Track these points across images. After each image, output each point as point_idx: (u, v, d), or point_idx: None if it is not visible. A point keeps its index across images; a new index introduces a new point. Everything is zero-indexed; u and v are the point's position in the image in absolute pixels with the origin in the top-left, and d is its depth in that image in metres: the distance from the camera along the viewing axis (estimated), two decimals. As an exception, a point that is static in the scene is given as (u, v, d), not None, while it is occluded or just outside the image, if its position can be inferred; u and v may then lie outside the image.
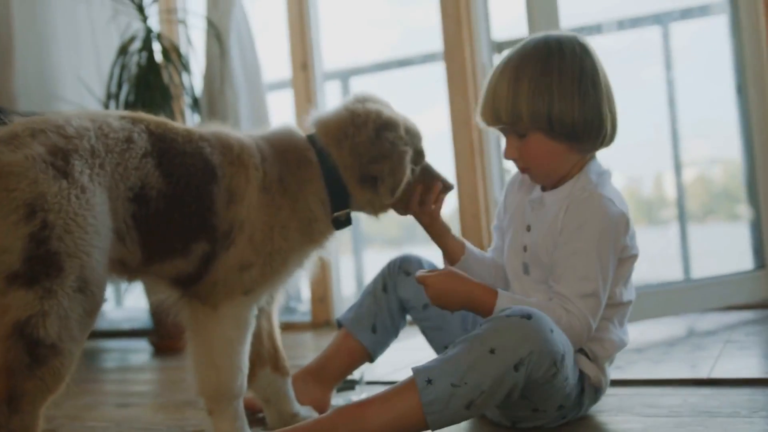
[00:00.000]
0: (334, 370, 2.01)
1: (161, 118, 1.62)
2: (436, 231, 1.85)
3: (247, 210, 1.59)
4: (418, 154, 1.79)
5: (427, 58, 4.23)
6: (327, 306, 3.95)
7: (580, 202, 1.68)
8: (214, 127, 1.68)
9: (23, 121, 1.43)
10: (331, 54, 4.29)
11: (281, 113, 4.29)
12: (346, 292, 4.19)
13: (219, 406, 1.62)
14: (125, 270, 1.53)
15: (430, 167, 1.83)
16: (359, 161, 1.69)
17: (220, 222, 1.56)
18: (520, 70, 1.68)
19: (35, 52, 3.73)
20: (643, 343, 2.58)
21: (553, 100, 1.65)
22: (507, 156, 1.75)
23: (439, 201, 1.82)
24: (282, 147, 1.69)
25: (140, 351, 3.78)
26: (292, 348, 3.38)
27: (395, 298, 2.00)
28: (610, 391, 1.96)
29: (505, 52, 3.68)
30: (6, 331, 1.32)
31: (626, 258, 1.71)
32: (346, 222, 1.74)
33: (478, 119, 1.78)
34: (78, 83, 3.73)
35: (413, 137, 1.77)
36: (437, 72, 3.92)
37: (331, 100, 4.28)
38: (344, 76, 4.62)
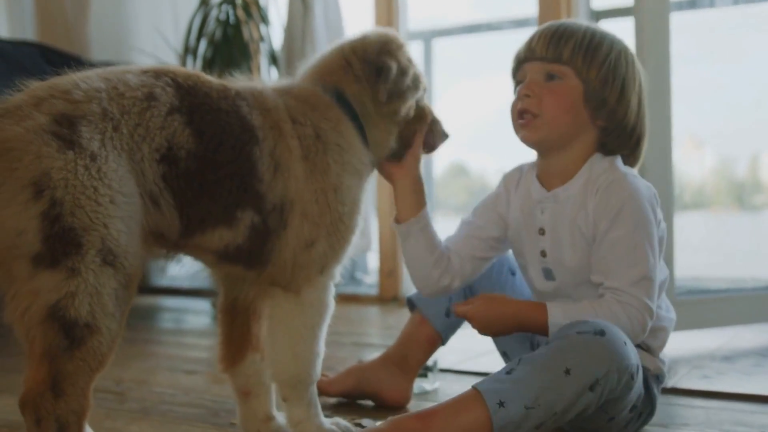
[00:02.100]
0: (416, 359, 2.06)
1: (193, 71, 1.59)
2: (410, 183, 1.82)
3: (295, 185, 1.58)
4: (423, 90, 1.80)
5: (519, 24, 4.22)
6: (396, 281, 4.02)
7: (608, 186, 1.70)
8: (248, 83, 1.66)
9: (32, 88, 1.42)
10: (415, 13, 4.32)
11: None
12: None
13: (295, 393, 1.65)
14: (165, 242, 1.52)
15: (431, 109, 1.83)
16: (366, 66, 1.68)
17: (267, 190, 1.54)
18: (595, 35, 1.74)
19: (112, 1, 3.84)
20: (733, 351, 2.58)
21: (618, 78, 1.73)
22: (524, 90, 1.75)
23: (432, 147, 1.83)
24: (303, 98, 1.66)
25: (200, 312, 3.92)
26: (355, 322, 3.47)
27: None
28: (697, 402, 1.99)
29: (603, 22, 3.69)
30: (40, 316, 1.34)
31: (659, 234, 1.73)
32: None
33: (519, 55, 1.80)
34: (155, 34, 3.84)
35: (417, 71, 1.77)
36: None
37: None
38: (427, 37, 4.65)
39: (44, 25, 3.81)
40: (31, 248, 1.33)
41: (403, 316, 3.49)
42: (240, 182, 1.52)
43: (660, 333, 1.76)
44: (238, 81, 1.65)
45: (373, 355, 2.20)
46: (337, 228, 1.62)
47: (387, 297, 4.03)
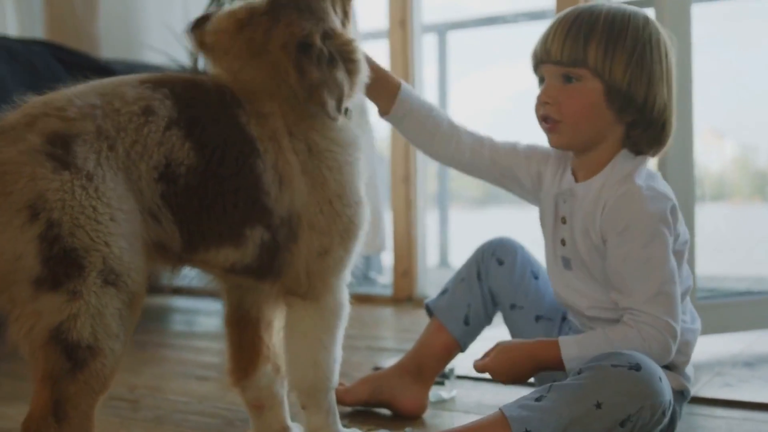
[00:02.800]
0: (431, 368, 2.06)
1: (192, 76, 1.57)
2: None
3: (300, 198, 1.56)
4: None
5: (535, 16, 4.22)
6: (411, 281, 4.03)
7: (617, 199, 1.68)
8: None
9: (26, 105, 1.41)
10: (430, 5, 4.32)
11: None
12: (431, 262, 4.24)
13: (314, 401, 1.66)
14: (169, 255, 1.50)
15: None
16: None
17: (275, 204, 1.52)
18: (615, 24, 1.70)
19: (122, -5, 3.86)
20: (756, 357, 2.57)
21: (652, 77, 1.69)
22: (542, 98, 1.74)
23: None
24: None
25: (211, 314, 3.95)
26: (370, 325, 3.48)
27: (487, 288, 2.04)
28: (718, 412, 2.00)
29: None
30: (43, 338, 1.35)
31: (676, 251, 1.71)
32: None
33: (535, 54, 1.78)
34: (165, 31, 3.85)
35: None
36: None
37: (428, 54, 4.32)
38: (442, 30, 4.66)
39: (53, 24, 3.84)
40: (31, 272, 1.33)
41: (419, 317, 3.52)
42: (246, 196, 1.50)
43: (684, 347, 1.74)
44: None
45: (388, 359, 2.22)
46: (349, 231, 1.62)
47: (402, 297, 4.04)
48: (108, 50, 3.75)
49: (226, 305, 1.77)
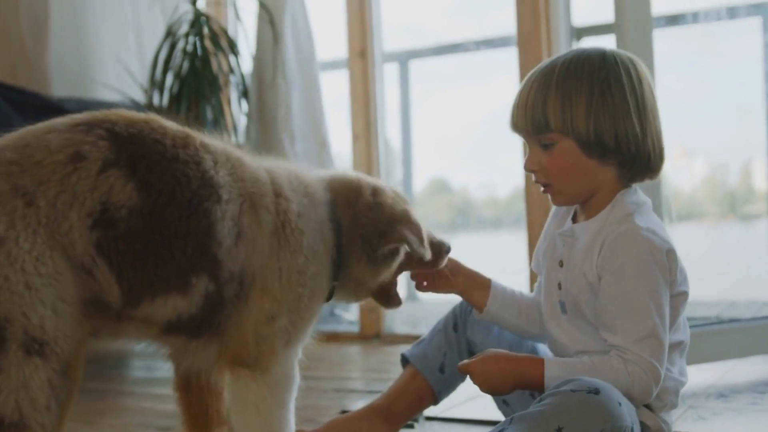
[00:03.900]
0: (402, 410, 2.08)
1: (148, 116, 1.52)
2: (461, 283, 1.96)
3: (259, 259, 1.56)
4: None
5: (498, 43, 4.28)
6: (377, 317, 4.04)
7: (616, 237, 1.72)
8: (225, 145, 1.62)
9: None
10: (390, 35, 4.37)
11: (335, 100, 4.39)
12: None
13: None
14: (107, 313, 1.46)
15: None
16: (362, 228, 1.73)
17: (226, 258, 1.50)
18: (569, 76, 1.74)
19: (72, 32, 3.86)
20: (729, 388, 2.61)
21: (616, 116, 1.72)
22: (527, 167, 1.81)
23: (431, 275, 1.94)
24: (303, 185, 1.68)
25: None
26: (336, 365, 3.49)
27: (464, 339, 2.07)
28: (692, 447, 2.03)
29: (585, 40, 3.74)
30: None
31: (674, 296, 1.74)
32: (329, 296, 1.76)
33: (509, 126, 1.84)
34: (119, 67, 3.86)
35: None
36: (507, 58, 3.97)
37: (389, 84, 4.37)
38: (403, 59, 4.71)
39: (0, 61, 3.82)
40: None
41: (386, 355, 3.54)
42: (195, 243, 1.46)
43: (665, 395, 1.76)
44: (217, 141, 1.61)
45: (357, 402, 2.22)
46: (297, 307, 1.62)
47: (369, 334, 4.05)
48: (59, 88, 3.74)
49: (175, 371, 1.75)
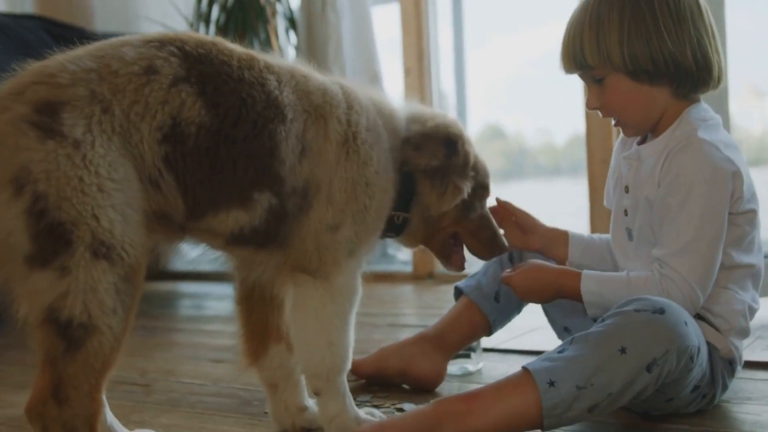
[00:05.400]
0: (454, 339, 2.12)
1: (215, 38, 1.57)
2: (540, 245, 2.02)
3: (324, 169, 1.59)
4: (483, 189, 1.87)
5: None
6: (430, 256, 4.04)
7: (678, 151, 1.71)
8: (291, 64, 1.66)
9: (20, 74, 1.42)
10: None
11: (387, 34, 4.37)
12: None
13: (328, 386, 1.68)
14: (170, 225, 1.52)
15: (491, 218, 1.90)
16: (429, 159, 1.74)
17: (289, 175, 1.54)
18: (602, 6, 1.74)
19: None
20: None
21: (649, 37, 1.71)
22: (588, 106, 1.82)
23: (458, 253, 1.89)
24: (379, 103, 1.73)
25: (222, 298, 4.00)
26: (389, 302, 3.54)
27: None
28: (761, 375, 2.03)
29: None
30: (38, 318, 1.37)
31: (739, 213, 1.73)
32: (395, 228, 1.78)
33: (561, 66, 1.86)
34: (163, 1, 3.88)
35: (480, 169, 1.84)
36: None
37: (441, 17, 4.34)
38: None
39: (44, -3, 3.88)
40: (22, 249, 1.35)
41: (440, 293, 3.57)
42: (258, 163, 1.51)
43: (732, 318, 1.75)
44: (283, 60, 1.66)
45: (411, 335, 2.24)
46: (363, 218, 1.65)
47: (422, 274, 4.08)
48: (102, 23, 3.78)
49: (237, 283, 1.80)
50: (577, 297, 1.74)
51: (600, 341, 1.55)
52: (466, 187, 1.75)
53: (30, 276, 1.36)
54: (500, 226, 1.97)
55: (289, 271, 1.65)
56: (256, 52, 1.61)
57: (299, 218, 1.59)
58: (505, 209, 2.03)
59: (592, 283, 1.73)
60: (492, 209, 1.97)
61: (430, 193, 1.74)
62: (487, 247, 1.88)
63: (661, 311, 1.55)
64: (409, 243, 1.87)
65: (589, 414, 1.55)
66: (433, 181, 1.74)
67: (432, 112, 1.82)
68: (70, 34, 3.34)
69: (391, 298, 3.67)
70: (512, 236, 2.02)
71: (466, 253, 1.90)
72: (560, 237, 2.02)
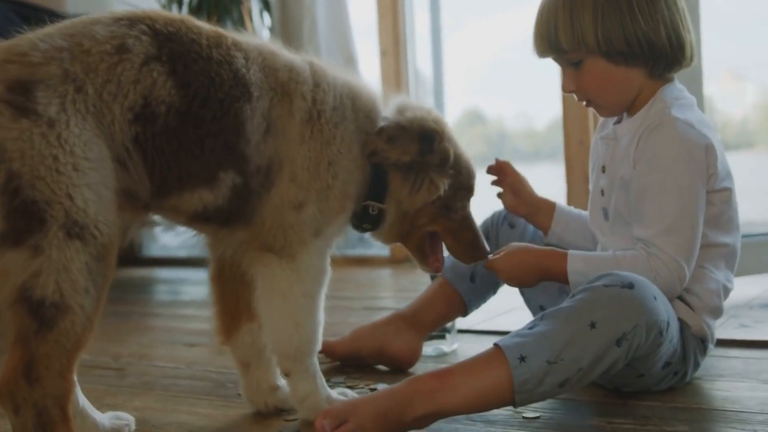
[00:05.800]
0: (429, 318, 2.14)
1: (183, 16, 1.57)
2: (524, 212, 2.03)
3: (287, 147, 1.60)
4: (466, 190, 1.82)
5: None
6: (408, 240, 4.07)
7: (651, 130, 1.73)
8: (259, 41, 1.67)
9: None
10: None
11: (362, 18, 4.36)
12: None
13: (298, 366, 1.69)
14: (135, 204, 1.52)
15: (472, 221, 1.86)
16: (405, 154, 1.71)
17: (253, 153, 1.56)
18: None
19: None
20: (773, 299, 2.63)
21: (623, 18, 1.73)
22: (564, 89, 1.84)
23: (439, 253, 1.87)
24: (355, 87, 1.72)
25: (197, 283, 4.00)
26: (366, 286, 3.53)
27: (497, 248, 2.09)
28: (734, 353, 2.06)
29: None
30: (10, 298, 1.37)
31: (714, 191, 1.75)
32: (371, 220, 1.75)
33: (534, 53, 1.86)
34: (135, -18, 3.87)
35: (463, 169, 1.80)
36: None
37: (418, 9, 4.34)
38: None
39: (13, -23, 3.84)
40: None
41: (418, 277, 3.58)
42: (224, 142, 1.52)
43: (706, 296, 1.78)
44: (251, 37, 1.65)
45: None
46: (327, 196, 1.65)
47: (399, 258, 4.09)
48: (74, 4, 3.75)
49: (211, 261, 1.81)
50: (563, 278, 1.75)
51: (570, 316, 1.56)
52: (443, 185, 1.74)
53: (2, 255, 1.36)
54: (497, 185, 2.02)
55: (256, 251, 1.66)
56: (224, 30, 1.60)
57: (262, 196, 1.60)
58: (501, 170, 2.04)
59: (578, 262, 1.74)
60: (490, 168, 2.00)
61: (401, 187, 1.73)
62: (467, 250, 1.84)
63: (630, 286, 1.57)
64: (386, 238, 1.86)
65: (560, 389, 1.56)
66: (405, 175, 1.72)
67: (418, 106, 1.78)
68: (40, 16, 3.33)
69: (368, 281, 3.67)
70: (505, 197, 2.03)
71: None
72: (547, 206, 2.03)
